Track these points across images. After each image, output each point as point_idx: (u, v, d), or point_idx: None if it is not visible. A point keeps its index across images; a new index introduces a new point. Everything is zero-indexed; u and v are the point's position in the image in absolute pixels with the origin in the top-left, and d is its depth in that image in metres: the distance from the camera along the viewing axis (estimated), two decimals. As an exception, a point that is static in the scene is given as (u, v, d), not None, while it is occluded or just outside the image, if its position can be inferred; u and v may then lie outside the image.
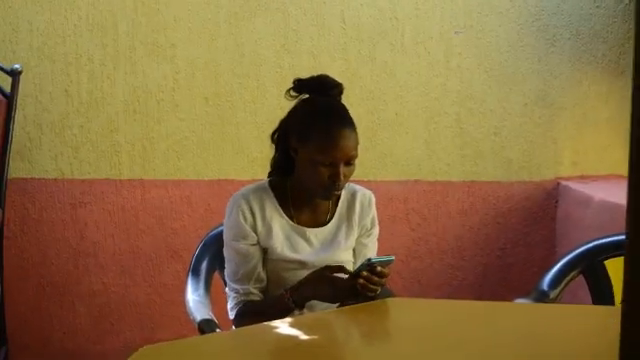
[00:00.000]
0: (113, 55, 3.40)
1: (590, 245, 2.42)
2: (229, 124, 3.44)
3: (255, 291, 2.17)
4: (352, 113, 2.15)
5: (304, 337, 1.76)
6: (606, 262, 2.36)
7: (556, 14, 3.41)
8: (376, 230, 2.30)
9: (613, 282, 2.34)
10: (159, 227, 3.48)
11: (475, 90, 3.45)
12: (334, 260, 2.15)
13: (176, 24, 3.39)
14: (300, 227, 2.20)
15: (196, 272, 2.46)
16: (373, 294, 1.97)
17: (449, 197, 3.50)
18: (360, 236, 2.26)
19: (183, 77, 3.41)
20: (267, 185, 2.22)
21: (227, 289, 2.24)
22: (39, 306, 3.52)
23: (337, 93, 2.20)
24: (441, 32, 3.42)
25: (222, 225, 2.27)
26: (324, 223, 2.23)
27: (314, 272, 2.07)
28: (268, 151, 2.27)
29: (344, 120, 2.11)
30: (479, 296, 3.46)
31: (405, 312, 2.04)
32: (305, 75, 2.20)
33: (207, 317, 2.23)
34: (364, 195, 2.27)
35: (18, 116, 3.25)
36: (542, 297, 2.27)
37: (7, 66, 3.18)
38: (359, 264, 2.11)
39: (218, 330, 2.17)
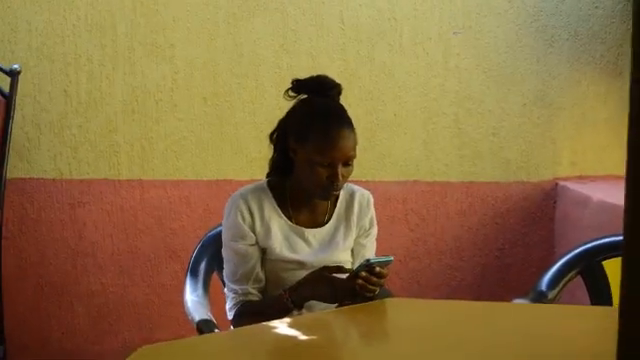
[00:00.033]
0: (112, 55, 3.40)
1: (588, 246, 2.42)
2: (228, 124, 3.44)
3: (254, 291, 2.17)
4: (351, 113, 2.15)
5: (303, 337, 1.76)
6: (604, 263, 2.36)
7: (555, 15, 3.42)
8: (374, 230, 2.30)
9: (611, 283, 2.34)
10: (158, 227, 3.48)
11: (473, 90, 3.46)
12: (332, 260, 2.15)
13: (175, 24, 3.39)
14: (299, 227, 2.20)
15: (195, 272, 2.46)
16: (372, 294, 1.98)
17: (448, 197, 3.50)
18: (358, 236, 2.26)
19: (182, 77, 3.42)
20: (266, 185, 2.22)
21: (226, 289, 2.24)
22: (38, 306, 3.52)
23: (336, 93, 2.20)
24: (440, 33, 3.42)
25: (221, 225, 2.27)
26: (323, 223, 2.23)
27: (313, 272, 2.07)
28: (267, 151, 2.27)
29: (342, 120, 2.11)
30: (477, 296, 3.46)
31: (403, 312, 2.04)
32: (304, 75, 2.20)
33: (205, 317, 2.23)
34: (362, 195, 2.28)
35: (17, 116, 3.25)
36: (540, 297, 2.27)
37: (6, 66, 3.18)
38: (358, 264, 2.12)
39: (217, 330, 2.17)
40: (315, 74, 2.21)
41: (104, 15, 3.38)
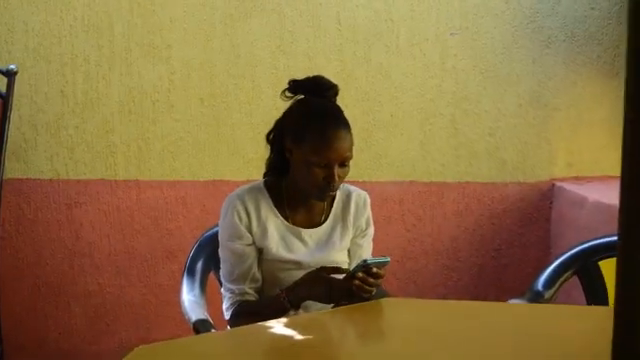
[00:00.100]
0: (109, 56, 3.40)
1: (584, 246, 2.43)
2: (224, 125, 3.44)
3: (250, 291, 2.17)
4: (347, 114, 2.15)
5: (299, 337, 1.76)
6: (600, 263, 2.37)
7: (551, 16, 3.42)
8: (371, 231, 2.31)
9: (607, 283, 2.35)
10: (154, 228, 3.48)
11: (470, 91, 3.46)
12: (329, 260, 2.16)
13: (172, 25, 3.39)
14: (295, 227, 2.20)
15: (191, 272, 2.46)
16: (368, 295, 1.98)
17: (444, 198, 3.50)
18: (355, 237, 2.27)
19: (178, 78, 3.42)
20: (262, 185, 2.23)
21: (222, 289, 2.24)
22: (34, 306, 3.52)
23: (332, 94, 2.20)
24: (436, 34, 3.43)
25: (217, 226, 2.28)
26: (319, 223, 2.23)
27: (310, 272, 2.07)
28: (263, 152, 2.27)
29: (339, 121, 2.11)
30: (474, 296, 3.46)
31: (400, 312, 2.04)
32: (301, 76, 2.21)
33: (202, 317, 2.23)
34: (359, 196, 2.28)
35: (13, 116, 3.25)
36: (537, 297, 2.27)
37: (2, 66, 3.17)
38: (354, 265, 2.12)
39: (213, 330, 2.18)
40: (312, 75, 2.21)
41: (101, 16, 3.38)
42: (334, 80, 2.21)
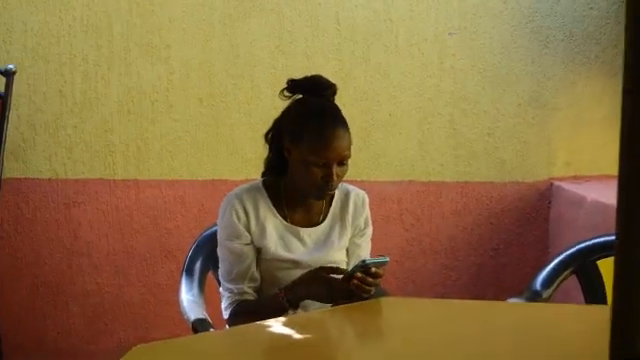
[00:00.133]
0: (107, 56, 3.40)
1: (583, 245, 2.43)
2: (223, 125, 3.44)
3: (249, 290, 2.17)
4: (346, 114, 2.15)
5: (298, 336, 1.76)
6: (598, 262, 2.37)
7: (550, 16, 3.42)
8: (369, 230, 2.30)
9: (605, 282, 2.35)
10: (153, 227, 3.48)
11: (469, 91, 3.46)
12: (327, 260, 2.16)
13: (170, 25, 3.39)
14: (294, 227, 2.20)
15: (190, 272, 2.46)
16: (367, 295, 1.98)
17: (443, 197, 3.51)
18: (353, 236, 2.27)
19: (177, 78, 3.42)
20: (261, 185, 2.23)
21: (221, 289, 2.24)
22: (33, 306, 3.52)
23: (331, 94, 2.20)
24: (435, 33, 3.43)
25: (216, 225, 2.28)
26: (317, 223, 2.23)
27: (309, 272, 2.07)
28: (262, 151, 2.27)
29: (337, 120, 2.11)
30: (473, 296, 3.46)
31: (398, 311, 2.04)
32: (299, 76, 2.21)
33: (201, 317, 2.23)
34: (358, 195, 2.28)
35: (12, 116, 3.25)
36: (535, 297, 2.27)
37: (1, 66, 3.18)
38: (353, 264, 2.12)
39: (212, 329, 2.18)
40: (310, 74, 2.21)
41: (100, 16, 3.38)
42: (332, 80, 2.21)
